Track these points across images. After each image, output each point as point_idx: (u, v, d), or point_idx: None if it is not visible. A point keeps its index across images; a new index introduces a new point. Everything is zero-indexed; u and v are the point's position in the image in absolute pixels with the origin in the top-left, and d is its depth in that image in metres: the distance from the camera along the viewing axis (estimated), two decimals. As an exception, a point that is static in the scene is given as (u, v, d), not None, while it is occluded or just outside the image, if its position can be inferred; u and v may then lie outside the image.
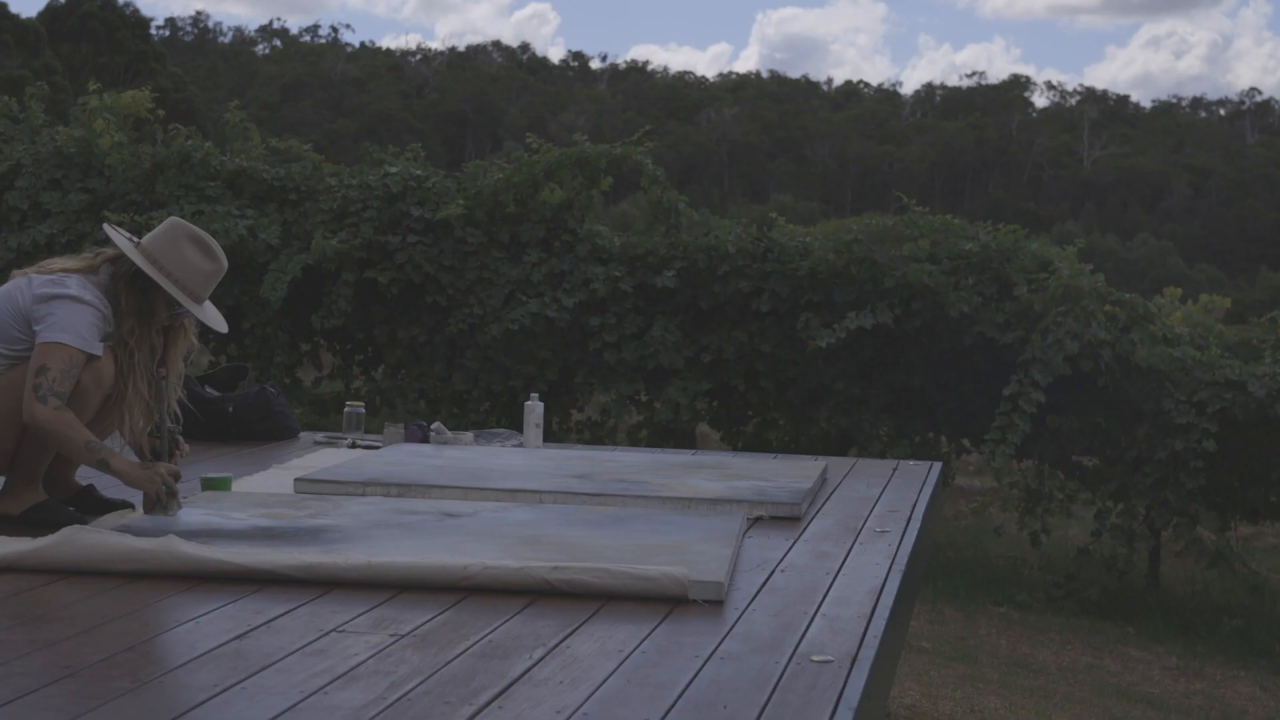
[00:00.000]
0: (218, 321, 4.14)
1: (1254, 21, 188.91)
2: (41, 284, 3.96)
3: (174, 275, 3.99)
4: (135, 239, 4.10)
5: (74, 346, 3.87)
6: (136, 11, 52.16)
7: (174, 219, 4.11)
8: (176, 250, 4.00)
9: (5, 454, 4.00)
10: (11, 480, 4.06)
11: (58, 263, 4.08)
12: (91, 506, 4.17)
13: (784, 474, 5.12)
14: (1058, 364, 8.29)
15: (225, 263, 4.10)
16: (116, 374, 4.00)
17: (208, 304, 4.14)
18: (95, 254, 4.09)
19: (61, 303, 3.92)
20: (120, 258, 4.02)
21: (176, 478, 3.95)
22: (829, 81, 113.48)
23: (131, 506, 4.15)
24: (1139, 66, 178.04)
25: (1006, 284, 9.03)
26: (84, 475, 4.42)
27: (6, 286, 4.05)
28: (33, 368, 3.85)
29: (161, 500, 3.90)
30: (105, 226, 4.19)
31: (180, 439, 4.22)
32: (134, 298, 4.00)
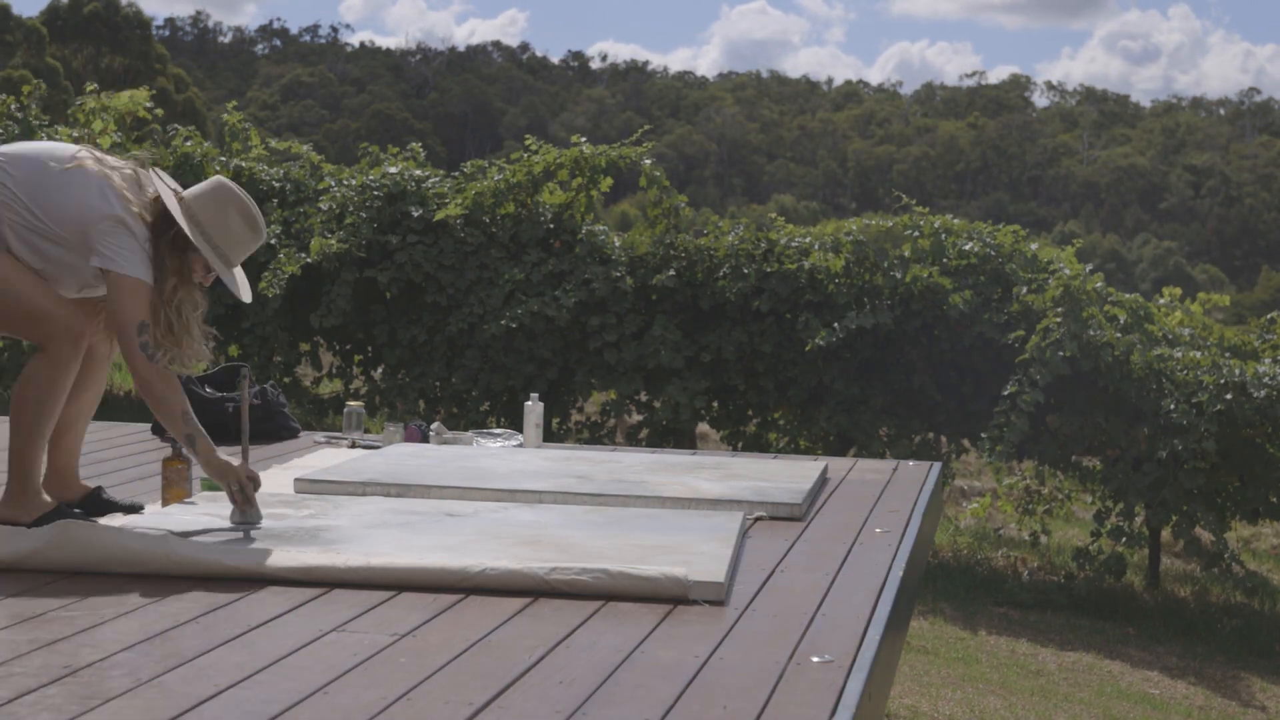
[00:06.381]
0: (245, 291, 4.01)
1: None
2: (116, 202, 3.78)
3: (214, 240, 3.87)
4: (180, 190, 3.95)
5: (149, 284, 3.75)
6: (139, 12, 52.03)
7: (220, 180, 3.95)
8: (222, 217, 3.87)
9: None
10: (11, 484, 3.88)
11: (120, 174, 3.86)
12: (100, 509, 4.03)
13: (784, 474, 5.11)
14: (1056, 364, 8.29)
15: (265, 233, 3.98)
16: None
17: (237, 270, 4.01)
18: (148, 182, 3.89)
19: (127, 237, 3.75)
20: (166, 214, 3.84)
21: (256, 484, 3.83)
22: (829, 81, 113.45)
23: (142, 509, 4.07)
24: (1099, 65, 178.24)
25: (1006, 284, 9.04)
26: (92, 476, 4.40)
27: (87, 168, 3.81)
28: (125, 315, 3.70)
29: (237, 501, 3.79)
30: (153, 173, 3.96)
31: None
32: (174, 258, 3.84)
